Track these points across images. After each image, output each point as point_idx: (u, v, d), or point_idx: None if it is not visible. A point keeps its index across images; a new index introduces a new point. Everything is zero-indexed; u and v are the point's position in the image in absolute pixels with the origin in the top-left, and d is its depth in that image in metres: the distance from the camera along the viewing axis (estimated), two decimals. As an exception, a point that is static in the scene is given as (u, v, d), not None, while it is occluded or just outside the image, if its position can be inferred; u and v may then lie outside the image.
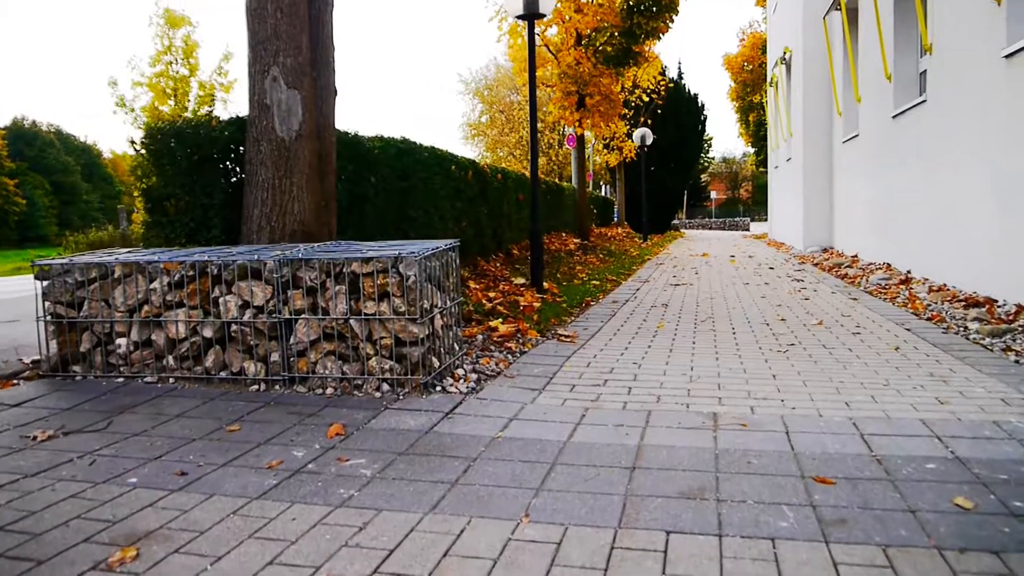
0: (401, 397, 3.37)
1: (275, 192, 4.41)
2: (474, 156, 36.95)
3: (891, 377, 3.75)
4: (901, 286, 8.03)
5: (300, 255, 3.43)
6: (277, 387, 3.53)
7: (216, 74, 28.38)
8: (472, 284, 7.32)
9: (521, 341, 4.75)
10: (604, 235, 20.36)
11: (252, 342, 3.55)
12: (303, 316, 3.44)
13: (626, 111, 25.00)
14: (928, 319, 5.80)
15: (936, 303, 6.64)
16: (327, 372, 3.46)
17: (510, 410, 3.20)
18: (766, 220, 26.62)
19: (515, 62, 15.00)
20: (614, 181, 32.73)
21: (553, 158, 42.25)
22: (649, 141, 21.37)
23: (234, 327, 3.54)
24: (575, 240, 15.17)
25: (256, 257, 3.43)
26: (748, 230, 39.01)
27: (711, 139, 67.54)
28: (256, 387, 3.54)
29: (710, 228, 44.81)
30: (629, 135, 23.59)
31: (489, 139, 41.67)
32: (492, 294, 6.47)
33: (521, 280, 7.84)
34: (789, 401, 3.32)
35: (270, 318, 3.48)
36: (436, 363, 3.51)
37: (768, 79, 20.75)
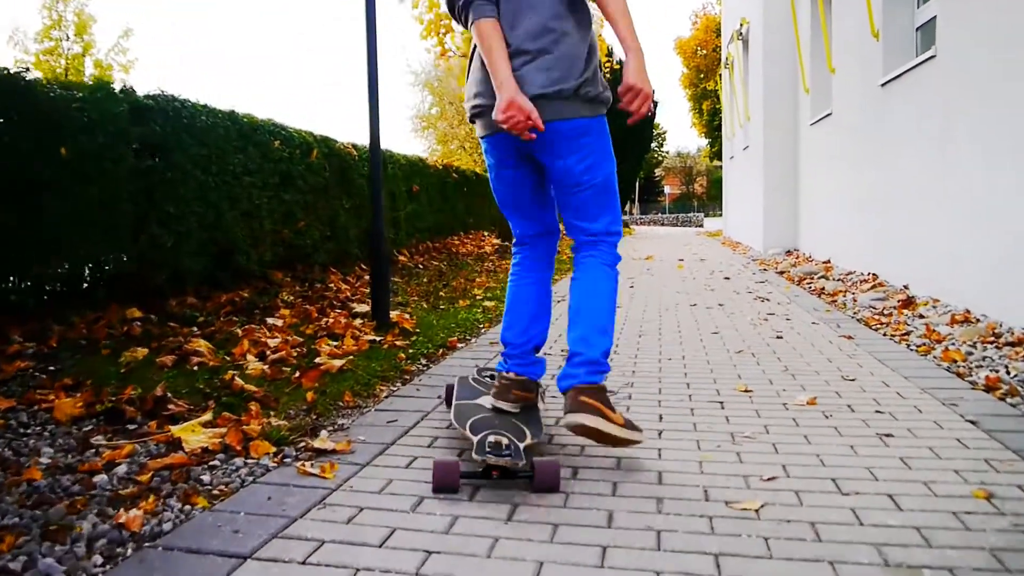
0: None
1: None
2: (423, 150, 34.41)
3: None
4: (905, 311, 5.75)
5: None
6: None
7: (114, 52, 25.36)
8: (280, 315, 4.80)
9: (205, 482, 2.25)
10: (540, 233, 17.95)
11: None
12: None
13: (568, 96, 22.69)
14: (984, 387, 3.48)
15: (974, 346, 4.35)
16: None
17: None
18: (721, 216, 24.66)
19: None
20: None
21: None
22: (591, 128, 18.92)
23: None
24: (496, 241, 12.70)
25: None
26: (702, 226, 37.21)
27: (664, 132, 65.64)
28: None
29: (662, 224, 42.84)
30: (570, 122, 21.24)
31: (439, 132, 39.40)
32: (276, 342, 3.93)
33: (367, 307, 5.36)
34: None
35: None
36: None
37: (723, 60, 18.59)
